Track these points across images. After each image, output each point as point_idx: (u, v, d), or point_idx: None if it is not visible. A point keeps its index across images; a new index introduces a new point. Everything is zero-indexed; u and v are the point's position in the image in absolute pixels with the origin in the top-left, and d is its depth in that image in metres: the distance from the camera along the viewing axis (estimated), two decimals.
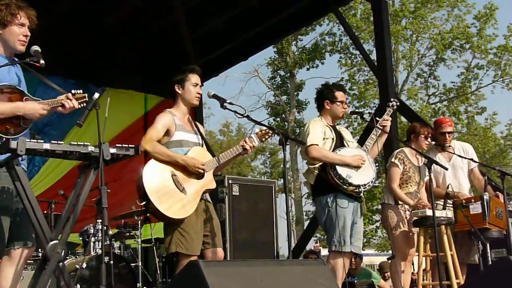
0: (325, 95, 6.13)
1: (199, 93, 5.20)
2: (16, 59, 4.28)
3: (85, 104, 4.20)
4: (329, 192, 5.82)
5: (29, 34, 4.23)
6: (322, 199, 5.84)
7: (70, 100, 4.12)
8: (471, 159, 6.78)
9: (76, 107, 4.12)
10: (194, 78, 5.17)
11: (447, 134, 6.82)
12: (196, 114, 5.37)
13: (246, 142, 5.13)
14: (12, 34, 4.18)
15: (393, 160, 6.60)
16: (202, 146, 5.16)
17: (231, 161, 5.27)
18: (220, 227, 5.23)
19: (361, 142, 10.24)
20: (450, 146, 6.85)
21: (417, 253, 6.56)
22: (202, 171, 4.90)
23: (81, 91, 4.24)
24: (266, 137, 5.29)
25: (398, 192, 6.47)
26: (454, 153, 6.76)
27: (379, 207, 6.63)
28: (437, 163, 6.01)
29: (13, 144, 3.61)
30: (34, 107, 4.04)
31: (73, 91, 4.19)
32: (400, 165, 6.53)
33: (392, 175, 6.54)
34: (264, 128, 5.26)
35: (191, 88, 5.14)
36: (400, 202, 6.49)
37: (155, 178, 4.73)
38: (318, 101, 6.18)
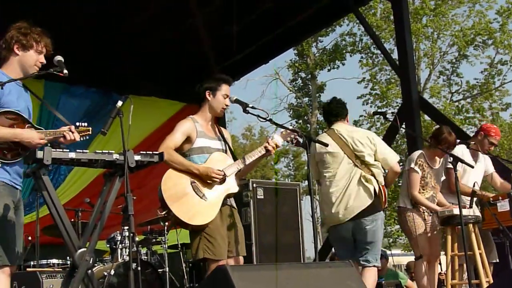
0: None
1: (227, 105, 5.16)
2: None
3: (87, 137, 4.29)
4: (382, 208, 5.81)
5: (44, 62, 4.32)
6: (382, 214, 5.77)
7: (73, 132, 4.20)
8: (496, 156, 6.76)
9: (77, 140, 4.20)
10: (226, 89, 5.14)
11: (493, 146, 6.89)
12: (218, 119, 5.35)
13: (268, 143, 5.04)
14: (30, 59, 4.27)
15: (412, 166, 6.52)
16: (226, 152, 5.13)
17: (255, 164, 5.19)
18: (246, 230, 5.21)
19: (385, 142, 10.24)
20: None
21: (444, 253, 6.54)
22: (218, 179, 4.86)
23: (85, 124, 4.34)
24: (291, 136, 5.12)
25: (422, 199, 6.42)
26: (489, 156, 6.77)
27: None
28: (463, 161, 5.97)
29: (39, 154, 3.66)
30: (31, 136, 4.08)
31: (77, 124, 4.28)
32: (419, 171, 6.48)
33: (413, 182, 6.46)
34: (290, 128, 5.21)
35: (221, 98, 5.11)
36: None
37: (174, 187, 4.73)
38: None
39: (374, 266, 5.66)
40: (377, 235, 5.69)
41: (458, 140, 6.72)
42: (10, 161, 4.07)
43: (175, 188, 4.73)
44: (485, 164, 6.95)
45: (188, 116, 5.13)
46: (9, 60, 4.25)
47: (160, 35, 10.97)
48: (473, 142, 6.87)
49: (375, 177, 5.66)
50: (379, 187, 5.68)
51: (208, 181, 4.84)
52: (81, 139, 4.25)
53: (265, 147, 5.04)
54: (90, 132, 4.33)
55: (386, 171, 5.93)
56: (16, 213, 4.18)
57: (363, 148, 5.70)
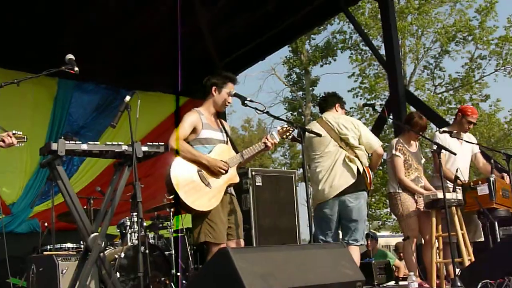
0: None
1: (229, 102, 5.18)
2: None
3: (22, 145, 4.46)
4: (367, 189, 5.85)
5: None
6: (365, 193, 5.82)
7: (10, 137, 4.46)
8: (477, 144, 6.78)
9: (15, 143, 4.39)
10: (230, 87, 5.15)
11: (471, 124, 6.84)
12: (219, 112, 5.35)
13: (267, 139, 5.09)
14: None
15: (394, 152, 6.57)
16: (227, 143, 5.15)
17: (254, 156, 5.23)
18: (246, 215, 5.22)
19: (374, 132, 10.24)
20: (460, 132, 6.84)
21: None
22: (223, 171, 4.88)
23: (20, 132, 4.59)
24: (287, 134, 5.22)
25: (409, 183, 6.46)
26: (466, 141, 6.76)
27: None
28: (446, 149, 6.00)
29: (53, 146, 3.66)
30: None
31: (14, 131, 4.53)
32: (401, 155, 6.53)
33: (398, 166, 6.51)
34: (285, 126, 5.23)
35: (225, 95, 5.12)
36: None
37: (182, 174, 4.73)
38: None
39: (361, 244, 5.72)
40: (362, 213, 5.75)
41: (442, 129, 6.73)
42: None
43: (183, 175, 4.74)
44: (471, 144, 6.92)
45: (193, 109, 5.13)
46: None
47: (166, 35, 10.95)
48: (455, 131, 6.88)
49: (358, 158, 5.73)
50: (363, 168, 5.76)
51: (215, 172, 4.85)
52: (18, 144, 4.47)
53: (265, 143, 5.08)
54: (26, 140, 4.56)
55: (370, 154, 5.98)
56: None
57: (347, 132, 5.78)
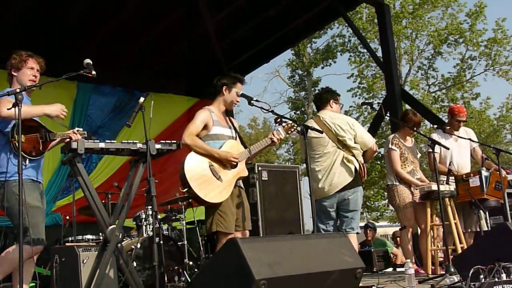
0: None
1: (238, 101, 5.19)
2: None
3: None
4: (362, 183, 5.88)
5: (38, 75, 4.64)
6: (361, 188, 5.83)
7: (76, 134, 4.53)
8: (469, 139, 6.75)
9: (79, 139, 4.29)
10: (239, 88, 5.16)
11: (461, 122, 6.82)
12: (227, 110, 5.35)
13: (273, 135, 5.10)
14: (23, 76, 4.55)
15: (390, 146, 6.59)
16: (236, 139, 5.16)
17: (260, 151, 5.25)
18: (253, 208, 5.22)
19: (372, 129, 10.22)
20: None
21: None
22: (234, 163, 4.89)
23: (81, 129, 4.66)
24: (292, 129, 5.22)
25: (405, 175, 6.48)
26: (458, 136, 6.74)
27: None
28: (439, 144, 5.98)
29: (73, 145, 3.67)
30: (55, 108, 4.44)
31: (77, 128, 4.62)
32: (397, 149, 6.54)
33: (395, 159, 6.53)
34: (290, 122, 5.23)
35: (234, 94, 5.12)
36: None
37: (195, 168, 4.74)
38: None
39: (357, 233, 5.73)
40: (358, 204, 5.77)
41: (435, 126, 6.72)
42: (34, 157, 4.28)
43: (195, 169, 4.74)
44: (466, 142, 6.88)
45: (204, 107, 5.14)
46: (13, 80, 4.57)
47: (177, 41, 10.98)
48: (448, 127, 6.88)
49: (355, 157, 5.71)
50: (359, 165, 5.76)
51: (226, 164, 4.87)
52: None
53: (271, 138, 5.08)
54: (86, 135, 4.57)
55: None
56: (41, 202, 4.40)
57: (344, 134, 5.73)
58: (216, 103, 5.18)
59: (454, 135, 6.75)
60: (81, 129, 4.65)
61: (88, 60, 4.26)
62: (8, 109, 3.91)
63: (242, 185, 5.17)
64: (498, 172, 6.43)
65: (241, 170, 5.01)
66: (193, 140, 4.83)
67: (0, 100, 4.12)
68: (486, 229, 6.67)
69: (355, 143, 5.76)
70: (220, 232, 4.79)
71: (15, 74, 4.56)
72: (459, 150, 6.83)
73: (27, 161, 4.18)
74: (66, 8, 9.25)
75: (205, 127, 4.97)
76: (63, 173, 9.65)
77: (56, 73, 4.47)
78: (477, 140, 7.07)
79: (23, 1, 8.86)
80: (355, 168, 5.70)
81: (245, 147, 5.10)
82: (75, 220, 7.03)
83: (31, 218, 4.12)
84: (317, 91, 6.28)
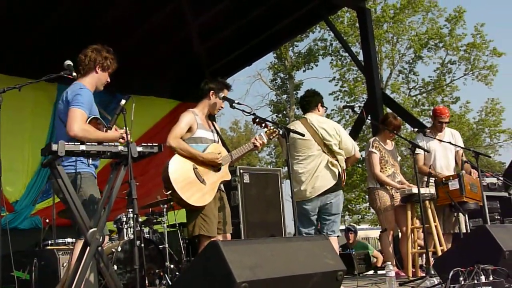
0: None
1: (222, 107, 5.23)
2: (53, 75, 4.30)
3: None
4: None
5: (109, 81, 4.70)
6: (341, 192, 5.85)
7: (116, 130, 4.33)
8: (449, 142, 6.80)
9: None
10: (225, 94, 5.16)
11: (444, 124, 6.87)
12: (210, 115, 5.36)
13: (256, 140, 5.13)
14: (104, 78, 4.66)
15: (370, 149, 6.63)
16: (218, 142, 5.17)
17: (243, 156, 5.27)
18: (235, 211, 5.23)
19: (353, 132, 10.27)
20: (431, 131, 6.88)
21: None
22: (219, 163, 4.90)
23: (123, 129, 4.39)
24: (274, 135, 5.24)
25: (384, 178, 6.52)
26: (439, 140, 6.77)
27: None
28: (419, 147, 6.05)
29: (54, 147, 3.63)
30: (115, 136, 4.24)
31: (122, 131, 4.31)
32: (377, 152, 6.58)
33: (374, 162, 6.57)
34: (272, 127, 5.23)
35: (220, 101, 5.14)
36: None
37: (179, 170, 4.74)
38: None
39: (338, 236, 5.76)
40: (340, 208, 5.81)
41: (416, 129, 6.77)
42: (94, 159, 4.24)
43: (180, 171, 4.74)
44: (454, 141, 6.92)
45: (189, 109, 5.13)
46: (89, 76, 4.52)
47: (158, 42, 10.92)
48: (429, 130, 6.93)
49: (339, 163, 5.74)
50: (342, 171, 5.80)
51: (211, 166, 4.89)
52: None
53: (253, 143, 5.11)
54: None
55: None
56: None
57: (330, 139, 5.74)
58: (201, 106, 5.18)
59: (436, 138, 6.78)
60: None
61: (68, 62, 4.25)
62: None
63: (223, 189, 5.18)
64: (469, 175, 6.54)
65: (225, 173, 5.03)
66: (178, 143, 4.82)
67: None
68: (465, 231, 6.72)
69: (339, 149, 5.79)
70: (202, 235, 4.79)
71: (98, 71, 4.56)
72: (443, 151, 6.88)
73: (90, 160, 4.16)
74: (46, 9, 9.16)
75: (189, 129, 4.97)
76: (43, 175, 9.56)
77: (36, 75, 4.43)
78: (462, 143, 7.12)
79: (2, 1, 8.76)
80: (338, 172, 5.73)
81: (228, 151, 5.11)
82: (55, 223, 6.97)
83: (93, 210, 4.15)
84: (304, 93, 6.26)
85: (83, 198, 4.12)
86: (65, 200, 4.07)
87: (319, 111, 6.00)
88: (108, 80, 4.68)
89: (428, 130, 6.88)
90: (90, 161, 4.21)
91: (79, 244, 4.07)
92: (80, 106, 4.14)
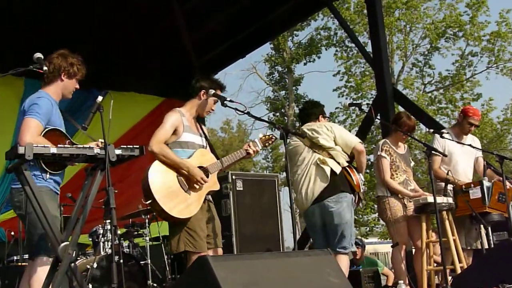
0: None
1: (213, 110, 5.25)
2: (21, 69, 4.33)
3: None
4: (352, 191, 5.88)
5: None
6: (348, 196, 5.83)
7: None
8: (469, 145, 6.81)
9: None
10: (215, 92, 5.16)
11: (473, 127, 6.89)
12: (199, 117, 5.36)
13: (249, 147, 5.16)
14: (71, 86, 4.80)
15: (379, 153, 6.62)
16: (206, 148, 5.18)
17: (234, 164, 5.30)
18: (226, 222, 5.25)
19: (360, 133, 10.29)
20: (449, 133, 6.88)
21: None
22: (202, 183, 4.87)
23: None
24: (270, 142, 5.33)
25: (395, 185, 6.50)
26: (464, 144, 6.79)
27: None
28: (436, 150, 6.05)
29: (20, 150, 3.63)
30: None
31: (101, 141, 4.31)
32: (387, 156, 6.57)
33: (384, 168, 6.55)
34: (268, 134, 5.28)
35: (212, 101, 5.15)
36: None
37: (160, 178, 4.73)
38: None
39: (350, 251, 5.76)
40: (344, 217, 5.74)
41: (431, 130, 6.77)
42: (56, 172, 4.35)
43: (161, 179, 4.75)
44: (471, 150, 6.95)
45: (175, 109, 5.13)
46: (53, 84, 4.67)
47: (140, 32, 10.91)
48: (447, 132, 6.92)
49: (334, 159, 5.77)
50: (346, 170, 5.83)
51: (193, 182, 4.86)
52: None
53: (246, 150, 5.14)
54: None
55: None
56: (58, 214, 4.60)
57: (317, 135, 5.86)
58: (189, 106, 5.18)
59: (461, 143, 6.78)
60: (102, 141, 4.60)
61: (38, 54, 4.26)
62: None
63: (211, 199, 5.18)
64: (501, 183, 6.50)
65: (212, 183, 5.02)
66: (161, 149, 4.81)
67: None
68: (488, 246, 6.73)
69: (335, 145, 5.85)
70: (189, 251, 4.78)
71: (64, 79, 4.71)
72: (463, 156, 6.90)
73: (48, 175, 4.27)
74: None
75: (175, 132, 4.97)
76: (7, 182, 9.53)
77: (2, 69, 4.44)
78: (480, 154, 7.14)
79: None
80: (333, 170, 5.74)
81: (217, 158, 5.11)
82: (21, 236, 6.96)
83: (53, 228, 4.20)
84: (302, 105, 6.41)
85: (34, 215, 4.13)
86: (24, 217, 4.31)
87: (320, 120, 6.10)
88: (77, 86, 4.81)
89: (446, 132, 6.85)
90: (48, 176, 4.29)
91: (34, 265, 4.20)
92: (35, 116, 4.28)
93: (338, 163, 5.79)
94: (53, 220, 3.94)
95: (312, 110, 6.21)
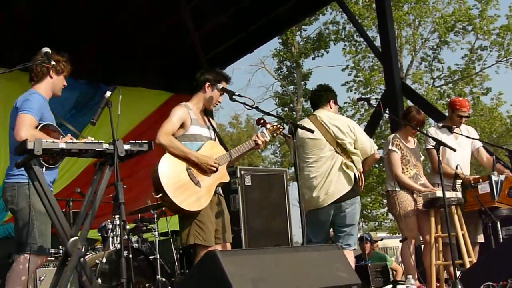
0: None
1: (219, 102, 5.25)
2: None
3: None
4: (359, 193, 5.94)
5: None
6: (359, 198, 5.87)
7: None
8: (478, 139, 6.78)
9: None
10: (224, 87, 5.16)
11: (463, 118, 6.85)
12: (206, 110, 5.36)
13: (258, 137, 5.14)
14: (60, 82, 4.81)
15: (390, 147, 6.59)
16: (215, 140, 5.17)
17: (243, 155, 5.29)
18: (235, 217, 5.24)
19: (369, 128, 10.28)
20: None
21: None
22: (214, 169, 4.89)
23: (93, 138, 4.35)
24: (277, 132, 5.28)
25: (407, 180, 6.48)
26: (461, 134, 6.75)
27: None
28: (445, 145, 6.01)
29: (29, 145, 3.64)
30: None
31: (91, 138, 4.26)
32: (398, 150, 6.55)
33: (394, 162, 6.53)
34: (276, 123, 5.27)
35: (218, 93, 5.15)
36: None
37: (170, 171, 4.73)
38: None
39: (354, 249, 5.78)
40: (355, 218, 5.81)
41: (440, 125, 6.74)
42: (51, 166, 4.36)
43: (171, 173, 4.73)
44: (469, 139, 6.92)
45: (181, 103, 5.13)
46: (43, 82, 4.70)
47: (147, 27, 10.92)
48: (442, 125, 6.86)
49: (354, 164, 5.75)
50: (358, 173, 5.80)
51: (205, 170, 4.86)
52: None
53: (255, 140, 5.12)
54: None
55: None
56: None
57: (344, 137, 5.77)
58: (195, 99, 5.18)
59: (457, 133, 6.74)
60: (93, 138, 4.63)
61: (46, 49, 4.27)
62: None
63: (221, 193, 5.17)
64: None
65: (222, 175, 5.01)
66: (169, 140, 4.81)
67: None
68: (497, 241, 6.71)
69: (354, 148, 5.80)
70: (198, 245, 4.78)
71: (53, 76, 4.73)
72: (459, 150, 6.86)
73: (44, 169, 4.22)
74: None
75: (182, 125, 4.96)
76: None
77: (11, 64, 4.45)
78: (480, 144, 7.10)
79: None
80: (355, 175, 5.73)
81: (226, 150, 5.11)
82: None
83: (39, 225, 4.32)
84: (315, 87, 6.30)
85: (26, 211, 4.29)
86: (15, 212, 4.42)
87: (331, 108, 6.05)
88: (65, 84, 4.83)
89: (445, 125, 6.81)
90: (44, 170, 4.25)
91: (17, 262, 4.27)
92: (28, 111, 4.33)
93: (357, 168, 5.78)
94: (62, 215, 3.95)
95: (324, 93, 6.10)
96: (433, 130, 6.81)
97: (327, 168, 5.71)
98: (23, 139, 3.98)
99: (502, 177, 6.42)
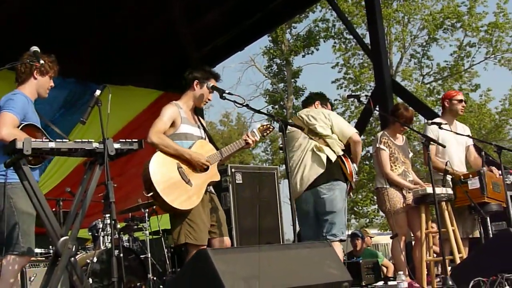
0: None
1: (209, 99, 5.25)
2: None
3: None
4: (345, 180, 5.92)
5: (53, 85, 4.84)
6: (341, 184, 5.88)
7: None
8: (469, 136, 6.81)
9: None
10: (214, 85, 5.17)
11: (462, 102, 6.90)
12: (196, 108, 5.37)
13: (248, 136, 5.19)
14: (46, 83, 4.77)
15: (378, 145, 6.63)
16: (205, 139, 5.19)
17: (233, 154, 5.32)
18: (226, 215, 5.25)
19: (359, 125, 10.29)
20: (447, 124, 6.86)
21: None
22: (206, 166, 4.91)
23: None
24: (268, 131, 5.38)
25: (396, 177, 6.52)
26: (455, 132, 6.78)
27: None
28: (434, 141, 6.04)
29: (18, 144, 3.62)
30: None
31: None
32: (386, 148, 6.59)
33: (383, 160, 6.57)
34: (266, 123, 5.31)
35: (207, 91, 5.15)
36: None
37: (161, 170, 4.73)
38: None
39: (340, 240, 5.76)
40: (336, 205, 5.80)
41: (430, 121, 6.78)
42: (34, 166, 4.33)
43: (162, 171, 4.75)
44: (462, 139, 6.95)
45: (172, 102, 5.15)
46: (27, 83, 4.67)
47: (138, 25, 10.89)
48: (445, 122, 6.89)
49: (330, 147, 5.85)
50: (341, 158, 5.89)
51: (196, 167, 4.88)
52: None
53: (245, 140, 5.16)
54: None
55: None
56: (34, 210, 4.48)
57: (314, 121, 5.94)
58: (185, 98, 5.20)
59: (451, 130, 6.76)
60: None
61: (35, 48, 4.26)
62: None
63: (213, 191, 5.19)
64: (492, 172, 6.53)
65: (213, 174, 5.04)
66: (161, 139, 4.82)
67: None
68: (487, 236, 6.73)
69: (332, 133, 5.92)
70: (189, 244, 4.78)
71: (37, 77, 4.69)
72: (457, 146, 6.89)
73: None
74: None
75: (172, 124, 4.98)
76: None
77: (1, 63, 4.43)
78: (472, 143, 7.14)
79: None
80: (328, 158, 5.80)
81: (217, 149, 5.13)
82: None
83: (22, 225, 4.30)
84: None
85: (11, 210, 4.29)
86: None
87: (316, 107, 6.22)
88: (52, 84, 4.80)
89: (445, 123, 6.84)
90: None
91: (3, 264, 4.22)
92: (10, 110, 4.32)
93: (334, 151, 5.85)
94: (52, 215, 3.93)
95: (313, 96, 6.37)
96: (432, 127, 6.81)
97: (300, 154, 5.90)
98: (3, 137, 3.98)
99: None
